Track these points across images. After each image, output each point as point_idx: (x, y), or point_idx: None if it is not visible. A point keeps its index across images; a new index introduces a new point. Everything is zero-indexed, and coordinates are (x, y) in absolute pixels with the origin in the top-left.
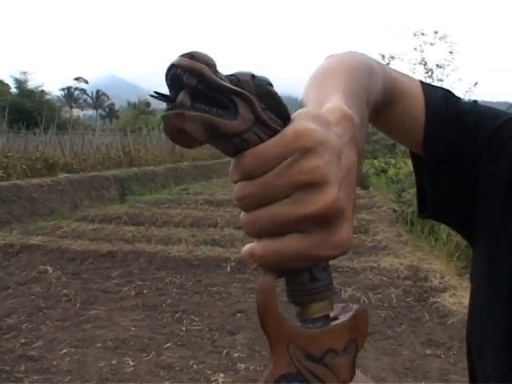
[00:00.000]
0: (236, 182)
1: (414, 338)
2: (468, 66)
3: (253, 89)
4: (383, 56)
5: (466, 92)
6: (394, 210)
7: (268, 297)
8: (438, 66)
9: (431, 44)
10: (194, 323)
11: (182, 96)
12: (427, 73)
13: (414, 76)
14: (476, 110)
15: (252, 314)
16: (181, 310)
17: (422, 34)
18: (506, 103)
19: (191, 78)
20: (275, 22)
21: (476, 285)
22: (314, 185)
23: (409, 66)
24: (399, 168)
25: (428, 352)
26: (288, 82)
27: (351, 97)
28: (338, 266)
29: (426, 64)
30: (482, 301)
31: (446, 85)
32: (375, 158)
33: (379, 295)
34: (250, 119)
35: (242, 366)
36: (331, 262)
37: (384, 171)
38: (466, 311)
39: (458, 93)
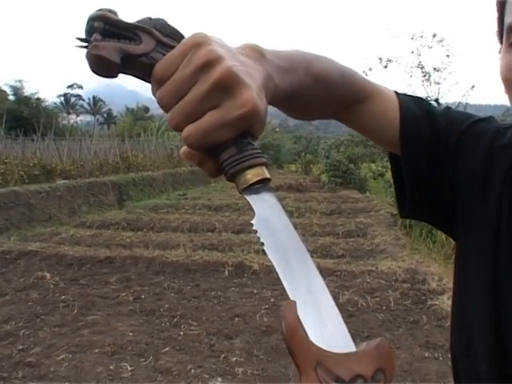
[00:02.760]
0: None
1: (412, 340)
2: (465, 70)
3: (151, 25)
4: (381, 59)
5: (463, 95)
6: (392, 214)
7: (292, 320)
8: (435, 69)
9: (429, 47)
10: (192, 328)
11: (94, 35)
12: (424, 76)
13: (411, 79)
14: (447, 113)
15: (250, 318)
16: (179, 315)
17: (420, 37)
18: (502, 106)
19: (99, 22)
20: (272, 20)
21: (461, 281)
22: (210, 63)
23: (406, 69)
24: None
25: (426, 355)
26: None
27: (282, 53)
28: (336, 270)
29: (423, 67)
30: (468, 297)
31: (443, 88)
32: (373, 162)
33: (377, 298)
34: (152, 43)
35: (240, 370)
36: (329, 266)
37: (381, 175)
38: None
39: (455, 96)
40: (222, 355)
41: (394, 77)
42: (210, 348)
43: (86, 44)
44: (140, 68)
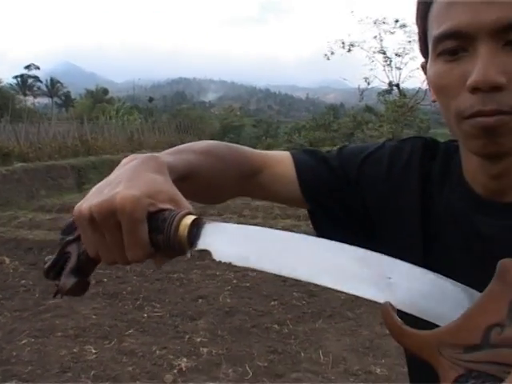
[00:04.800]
0: None
1: (372, 319)
2: None
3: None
4: (343, 43)
5: (424, 80)
6: None
7: (392, 321)
8: (396, 54)
9: (391, 33)
10: (156, 310)
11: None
12: (386, 61)
13: (373, 64)
14: (341, 153)
15: (213, 299)
16: (142, 297)
17: (383, 23)
18: None
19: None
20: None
21: None
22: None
23: (368, 54)
24: None
25: (387, 332)
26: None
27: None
28: None
29: (385, 53)
30: None
31: (404, 73)
32: (334, 146)
33: None
34: (75, 247)
35: (205, 350)
36: None
37: None
38: None
39: (416, 82)
40: (187, 336)
41: (356, 61)
42: (175, 329)
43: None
44: (85, 265)
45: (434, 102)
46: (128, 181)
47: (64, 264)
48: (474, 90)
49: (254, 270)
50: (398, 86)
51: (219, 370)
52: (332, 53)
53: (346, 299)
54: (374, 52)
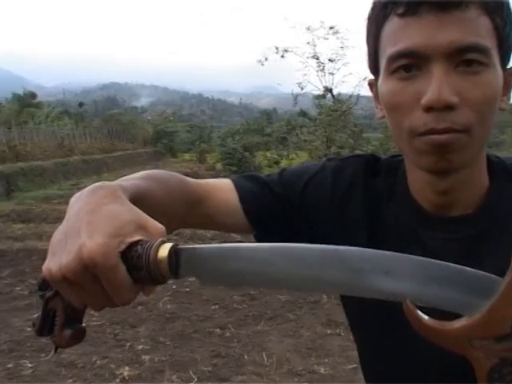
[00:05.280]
0: None
1: (314, 319)
2: (358, 61)
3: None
4: (277, 48)
5: (356, 86)
6: None
7: (417, 319)
8: (329, 60)
9: (324, 38)
10: (94, 318)
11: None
12: (319, 66)
13: (306, 70)
14: (281, 176)
15: (153, 305)
16: None
17: (316, 29)
18: None
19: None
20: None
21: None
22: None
23: (302, 60)
24: (292, 159)
25: (328, 332)
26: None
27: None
28: None
29: (318, 58)
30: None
31: (336, 78)
32: (268, 150)
33: None
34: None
35: (147, 357)
36: None
37: (277, 163)
38: None
39: (349, 87)
40: (128, 344)
41: (289, 67)
42: (115, 338)
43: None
44: (75, 315)
45: (382, 118)
46: (87, 225)
47: (53, 319)
48: (428, 108)
49: None
50: (331, 90)
51: (163, 377)
52: (266, 58)
53: (287, 301)
54: (308, 57)
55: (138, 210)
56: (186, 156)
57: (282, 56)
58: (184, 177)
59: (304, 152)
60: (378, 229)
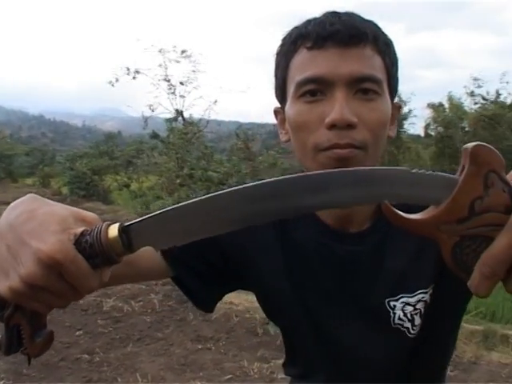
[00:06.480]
0: None
1: (183, 336)
2: (209, 85)
3: None
4: (129, 69)
5: (206, 110)
6: None
7: (394, 213)
8: (181, 83)
9: (176, 61)
10: None
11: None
12: (170, 89)
13: (157, 92)
14: None
15: None
16: None
17: (168, 52)
18: (236, 122)
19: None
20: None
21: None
22: None
23: (153, 82)
24: (142, 182)
25: (199, 347)
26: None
27: None
28: None
29: (169, 80)
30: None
31: (187, 102)
32: (117, 174)
33: (141, 302)
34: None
35: None
36: None
37: (127, 186)
38: (227, 306)
39: (199, 110)
40: None
41: (141, 88)
42: None
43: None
44: (40, 321)
45: (287, 141)
46: (30, 233)
47: (18, 334)
48: (332, 126)
49: None
50: (181, 113)
51: None
52: (117, 79)
53: (153, 321)
54: (159, 80)
55: (68, 206)
56: (28, 181)
57: (134, 77)
58: None
59: (154, 176)
60: (291, 249)
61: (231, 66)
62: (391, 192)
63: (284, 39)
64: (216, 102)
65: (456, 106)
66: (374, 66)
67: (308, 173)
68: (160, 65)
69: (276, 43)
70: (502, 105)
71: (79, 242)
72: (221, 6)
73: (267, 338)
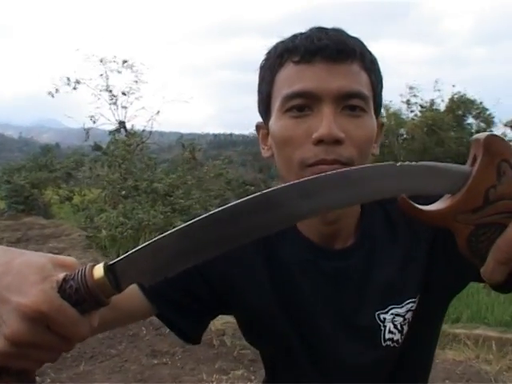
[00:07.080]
0: None
1: (137, 352)
2: (151, 96)
3: None
4: (69, 79)
5: (149, 120)
6: (87, 236)
7: (411, 206)
8: (123, 93)
9: (118, 72)
10: None
11: None
12: (112, 100)
13: (99, 102)
14: None
15: None
16: None
17: (109, 61)
18: (177, 133)
19: None
20: None
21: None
22: None
23: (94, 92)
24: (84, 195)
25: (155, 362)
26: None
27: None
28: None
29: (111, 91)
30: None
31: (130, 112)
32: (59, 188)
33: None
34: None
35: None
36: None
37: (69, 199)
38: None
39: (142, 121)
40: None
41: (82, 99)
42: None
43: None
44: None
45: (269, 157)
46: (8, 288)
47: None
48: (319, 142)
49: None
50: (124, 124)
51: None
52: (57, 90)
53: (105, 337)
54: (101, 90)
55: (42, 253)
56: None
57: (75, 88)
58: None
59: (97, 188)
60: (277, 268)
61: (171, 76)
62: (396, 187)
63: (269, 53)
64: (159, 112)
65: (393, 115)
66: (361, 82)
67: (297, 181)
68: (101, 75)
69: (209, 55)
70: (437, 112)
71: (63, 288)
72: (158, 17)
73: (224, 349)
